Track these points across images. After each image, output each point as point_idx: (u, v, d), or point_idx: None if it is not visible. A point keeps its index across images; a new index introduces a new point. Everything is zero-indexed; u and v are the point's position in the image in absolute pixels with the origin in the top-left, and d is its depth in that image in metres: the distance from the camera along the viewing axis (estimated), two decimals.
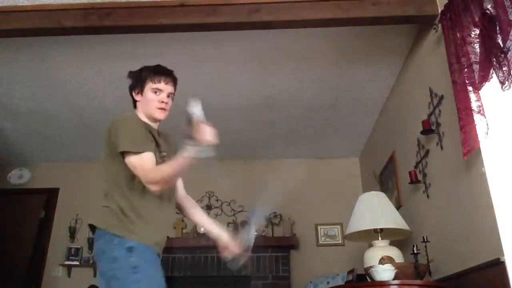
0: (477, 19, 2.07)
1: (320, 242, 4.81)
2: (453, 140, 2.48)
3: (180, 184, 2.11)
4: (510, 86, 1.83)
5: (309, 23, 2.85)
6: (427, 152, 2.94)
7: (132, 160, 1.75)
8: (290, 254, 4.67)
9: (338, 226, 4.80)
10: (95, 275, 4.65)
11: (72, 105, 4.07)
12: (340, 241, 4.76)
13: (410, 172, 3.13)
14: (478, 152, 2.15)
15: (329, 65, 3.47)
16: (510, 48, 1.84)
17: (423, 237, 2.71)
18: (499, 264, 1.97)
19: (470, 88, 2.12)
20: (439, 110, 2.72)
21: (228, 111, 4.06)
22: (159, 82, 1.93)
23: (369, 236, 3.08)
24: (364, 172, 4.95)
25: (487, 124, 2.01)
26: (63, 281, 4.77)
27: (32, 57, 3.40)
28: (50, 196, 5.15)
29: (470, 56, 2.14)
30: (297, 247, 4.76)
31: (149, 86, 1.93)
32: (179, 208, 2.11)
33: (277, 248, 4.62)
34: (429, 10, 2.73)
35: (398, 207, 3.41)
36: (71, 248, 4.85)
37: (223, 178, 5.02)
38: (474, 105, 2.09)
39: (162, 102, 1.92)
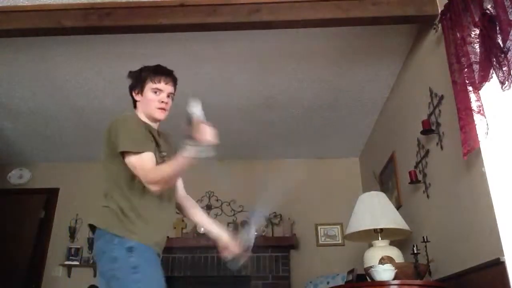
0: (477, 19, 2.07)
1: (320, 242, 4.81)
2: (453, 140, 2.48)
3: (180, 184, 2.11)
4: (510, 86, 1.83)
5: (309, 23, 2.85)
6: (427, 152, 2.94)
7: (132, 160, 1.75)
8: (290, 254, 4.67)
9: (338, 226, 4.80)
10: (95, 275, 4.65)
11: (72, 105, 4.07)
12: (340, 241, 4.76)
13: (410, 172, 3.13)
14: (478, 152, 2.15)
15: (329, 65, 3.47)
16: (510, 48, 1.84)
17: (423, 237, 2.71)
18: (499, 264, 1.97)
19: (470, 88, 2.12)
20: (439, 110, 2.72)
21: (228, 111, 4.06)
22: (159, 82, 1.93)
23: (369, 236, 3.08)
24: (364, 172, 4.95)
25: (487, 124, 2.01)
26: (63, 281, 4.77)
27: (32, 57, 3.40)
28: (50, 196, 5.15)
29: (470, 56, 2.14)
30: (297, 247, 4.76)
31: (149, 86, 1.93)
32: (179, 208, 2.10)
33: (277, 248, 4.62)
34: (429, 10, 2.73)
35: (398, 207, 3.41)
36: (71, 248, 4.85)
37: (223, 178, 5.03)
38: (474, 105, 2.09)
39: (162, 102, 1.93)
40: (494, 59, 1.92)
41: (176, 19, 2.82)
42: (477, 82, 2.08)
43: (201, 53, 3.33)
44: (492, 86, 2.03)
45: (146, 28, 2.89)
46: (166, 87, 1.94)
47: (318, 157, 5.14)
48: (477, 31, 2.09)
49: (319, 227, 4.86)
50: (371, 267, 2.58)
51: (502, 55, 1.86)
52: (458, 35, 2.26)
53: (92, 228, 1.82)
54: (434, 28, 2.71)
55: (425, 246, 2.70)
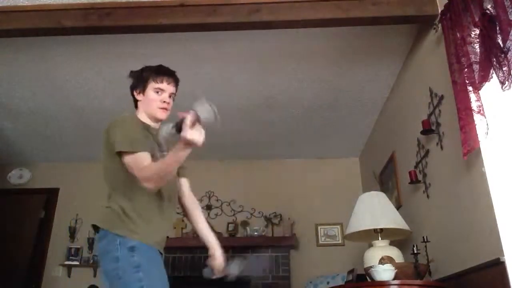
0: (477, 19, 2.07)
1: (320, 242, 4.81)
2: (453, 140, 2.48)
3: (185, 184, 2.12)
4: (510, 86, 1.83)
5: (309, 23, 2.85)
6: (427, 152, 2.94)
7: (127, 160, 1.76)
8: (290, 254, 4.67)
9: (338, 226, 4.80)
10: (95, 275, 4.66)
11: (72, 105, 4.07)
12: (340, 241, 4.76)
13: (410, 172, 3.13)
14: (478, 152, 2.15)
15: (329, 65, 3.47)
16: (510, 48, 1.84)
17: (423, 237, 2.71)
18: (499, 264, 1.97)
19: (470, 88, 2.12)
20: (439, 110, 2.72)
21: (228, 111, 4.05)
22: (162, 82, 1.93)
23: (369, 236, 3.08)
24: (364, 172, 4.96)
25: (487, 124, 2.01)
26: (63, 281, 4.77)
27: (32, 57, 3.40)
28: (50, 196, 5.15)
29: (470, 56, 2.14)
30: (297, 247, 4.76)
31: (151, 86, 1.94)
32: (183, 209, 2.13)
33: (277, 248, 4.62)
34: (429, 10, 2.73)
35: (398, 207, 3.41)
36: (71, 248, 4.85)
37: (223, 178, 5.04)
38: (474, 105, 2.09)
39: (164, 102, 1.93)
40: (494, 59, 1.92)
41: (176, 19, 2.82)
42: (477, 82, 2.08)
43: (201, 53, 3.33)
44: (492, 86, 2.03)
45: (146, 28, 2.89)
46: (168, 87, 1.95)
47: (318, 157, 5.14)
48: (477, 31, 2.09)
49: (319, 227, 4.85)
50: (371, 267, 2.58)
51: (502, 55, 1.86)
52: (458, 35, 2.26)
53: (95, 228, 1.84)
54: (434, 28, 2.71)
55: (425, 246, 2.70)
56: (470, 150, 2.13)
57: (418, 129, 2.92)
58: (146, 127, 1.92)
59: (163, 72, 1.95)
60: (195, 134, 1.54)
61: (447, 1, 2.40)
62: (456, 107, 2.25)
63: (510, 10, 1.83)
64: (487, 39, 1.97)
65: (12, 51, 3.33)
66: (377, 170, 4.23)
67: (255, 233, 4.70)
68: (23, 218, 4.98)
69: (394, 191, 3.68)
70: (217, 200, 5.04)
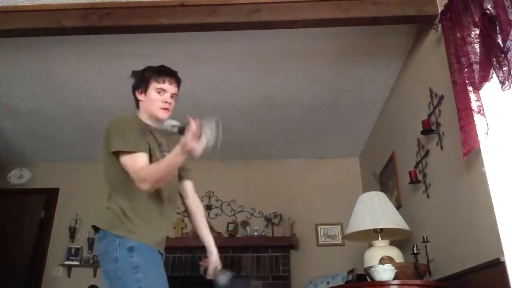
0: (477, 19, 2.07)
1: (320, 242, 4.81)
2: (453, 140, 2.48)
3: (189, 187, 2.14)
4: (510, 86, 1.83)
5: (309, 23, 2.85)
6: (427, 152, 2.94)
7: (123, 160, 1.77)
8: (290, 254, 4.67)
9: (338, 226, 4.80)
10: (95, 275, 4.66)
11: (72, 105, 4.07)
12: (340, 241, 4.76)
13: (410, 172, 3.13)
14: (478, 152, 2.15)
15: (329, 65, 3.47)
16: (510, 48, 1.84)
17: (423, 237, 2.71)
18: (499, 264, 1.97)
19: (470, 88, 2.12)
20: (439, 110, 2.72)
21: (228, 111, 4.06)
22: (163, 82, 1.94)
23: (369, 236, 3.08)
24: (364, 172, 4.95)
25: (487, 124, 2.01)
26: (63, 281, 4.77)
27: (32, 57, 3.40)
28: (50, 196, 5.15)
29: (470, 56, 2.14)
30: (297, 247, 4.75)
31: (153, 86, 1.94)
32: (186, 211, 2.16)
33: (277, 248, 4.62)
34: (429, 10, 2.73)
35: (398, 207, 3.41)
36: (71, 248, 4.85)
37: (223, 178, 5.04)
38: (474, 105, 2.09)
39: (166, 102, 1.94)
40: (494, 59, 1.92)
41: (176, 19, 2.82)
42: (477, 82, 2.08)
43: (201, 53, 3.33)
44: (492, 86, 2.03)
45: (146, 28, 2.89)
46: (170, 88, 1.95)
47: (318, 157, 5.14)
48: (477, 31, 2.09)
49: (319, 227, 4.85)
50: (371, 267, 2.58)
51: (502, 55, 1.86)
52: (458, 35, 2.26)
53: (95, 229, 1.84)
54: (434, 28, 2.71)
55: (425, 246, 2.70)
56: (470, 150, 2.13)
57: (418, 129, 2.92)
58: (146, 127, 1.92)
59: (165, 73, 1.96)
60: (194, 144, 1.56)
61: (447, 1, 2.40)
62: (456, 107, 2.25)
63: (510, 10, 1.83)
64: (487, 39, 1.97)
65: (12, 51, 3.33)
66: (377, 170, 4.23)
67: (255, 233, 4.70)
68: (23, 218, 4.98)
69: (394, 191, 3.68)
70: (217, 200, 5.04)
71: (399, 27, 3.00)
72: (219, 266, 2.07)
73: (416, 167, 3.13)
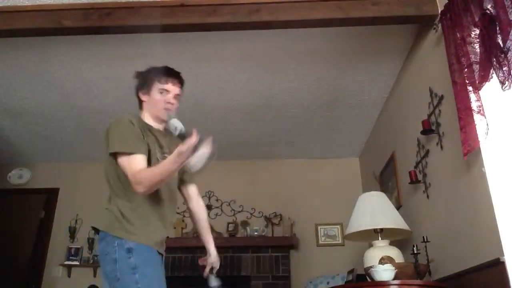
0: (477, 19, 2.07)
1: (320, 242, 4.81)
2: (453, 140, 2.48)
3: (192, 190, 2.15)
4: (510, 86, 1.83)
5: (309, 23, 2.85)
6: (427, 152, 2.94)
7: (121, 161, 1.77)
8: (290, 254, 4.67)
9: (338, 226, 4.80)
10: (95, 275, 4.66)
11: (72, 105, 4.07)
12: (340, 241, 4.76)
13: (410, 172, 3.13)
14: (478, 152, 2.15)
15: (329, 65, 3.47)
16: (510, 48, 1.84)
17: (423, 237, 2.71)
18: (499, 264, 1.97)
19: (470, 88, 2.12)
20: (439, 110, 2.72)
21: (228, 111, 4.06)
22: (167, 83, 1.94)
23: (369, 236, 3.09)
24: (364, 172, 4.96)
25: (487, 124, 2.01)
26: (63, 281, 4.77)
27: (32, 57, 3.40)
28: (50, 196, 5.15)
29: (470, 56, 2.14)
30: (297, 247, 4.75)
31: (157, 86, 1.94)
32: (189, 213, 2.19)
33: (277, 248, 4.62)
34: (429, 10, 2.73)
35: (398, 207, 3.41)
36: (71, 248, 4.85)
37: (223, 178, 5.03)
38: (474, 105, 2.09)
39: (169, 103, 1.93)
40: (494, 59, 1.91)
41: (176, 19, 2.82)
42: (477, 82, 2.08)
43: (201, 53, 3.33)
44: (492, 86, 2.03)
45: (146, 28, 2.89)
46: (173, 88, 1.95)
47: (318, 157, 5.14)
48: (477, 31, 2.09)
49: (319, 227, 4.85)
50: (371, 267, 2.58)
51: (502, 55, 1.86)
52: (458, 35, 2.26)
53: (96, 230, 1.84)
54: (434, 28, 2.71)
55: (425, 246, 2.70)
56: (470, 150, 2.13)
57: (418, 129, 2.92)
58: (148, 127, 1.92)
59: (168, 73, 1.96)
60: (189, 155, 1.60)
61: (447, 1, 2.40)
62: (456, 107, 2.25)
63: (510, 10, 1.83)
64: (487, 39, 1.97)
65: (12, 51, 3.33)
66: (377, 170, 4.23)
67: (255, 233, 4.70)
68: (23, 218, 4.98)
69: (394, 191, 3.68)
70: (217, 200, 5.04)
71: (399, 27, 3.00)
72: (217, 267, 2.12)
73: (416, 167, 3.13)
